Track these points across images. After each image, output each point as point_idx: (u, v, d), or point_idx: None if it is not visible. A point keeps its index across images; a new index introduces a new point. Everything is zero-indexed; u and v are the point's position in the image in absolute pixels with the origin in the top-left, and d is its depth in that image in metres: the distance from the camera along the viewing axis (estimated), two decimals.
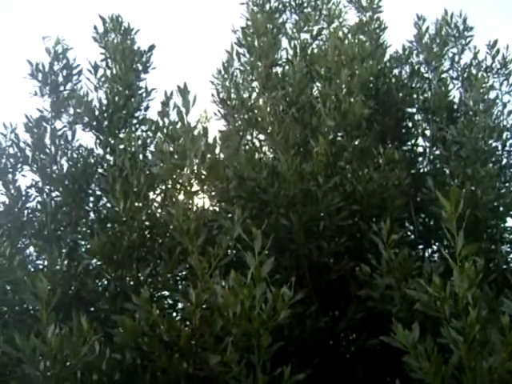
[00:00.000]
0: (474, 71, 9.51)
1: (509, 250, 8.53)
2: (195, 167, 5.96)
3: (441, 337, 5.13)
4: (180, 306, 7.12)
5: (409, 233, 8.46)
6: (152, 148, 7.84)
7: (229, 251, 6.14)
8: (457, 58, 9.78)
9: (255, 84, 8.77)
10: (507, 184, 8.77)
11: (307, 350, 6.88)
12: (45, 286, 5.55)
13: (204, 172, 5.95)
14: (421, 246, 8.50)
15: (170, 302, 7.47)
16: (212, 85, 9.39)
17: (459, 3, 10.42)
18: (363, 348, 7.00)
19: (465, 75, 9.62)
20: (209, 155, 6.12)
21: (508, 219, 8.37)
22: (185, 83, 5.95)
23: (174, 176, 5.96)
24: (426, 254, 8.58)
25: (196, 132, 6.12)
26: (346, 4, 10.08)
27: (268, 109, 7.92)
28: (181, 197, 6.00)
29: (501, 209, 8.07)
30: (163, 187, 7.41)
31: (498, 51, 9.59)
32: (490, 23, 13.85)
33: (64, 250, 7.91)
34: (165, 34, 16.19)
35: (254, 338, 5.34)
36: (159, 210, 7.47)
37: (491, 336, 5.00)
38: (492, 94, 9.04)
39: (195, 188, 6.05)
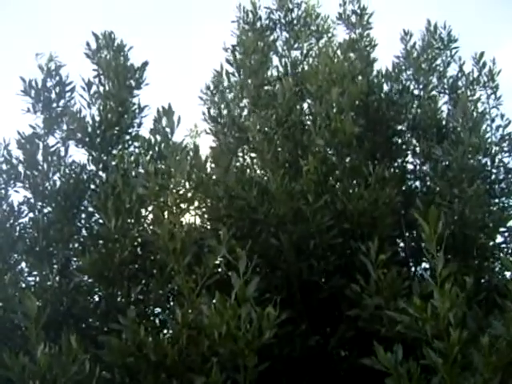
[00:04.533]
0: (460, 84, 9.50)
1: (500, 266, 8.49)
2: (181, 186, 5.96)
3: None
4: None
5: (400, 250, 8.44)
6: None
7: (216, 270, 6.16)
8: (442, 70, 9.73)
9: (246, 102, 8.78)
10: (497, 200, 8.76)
11: (297, 368, 6.87)
12: (34, 304, 5.55)
13: (190, 191, 5.95)
14: (412, 264, 8.49)
15: (161, 319, 7.47)
16: (201, 101, 9.42)
17: (449, 15, 10.36)
18: (355, 366, 6.98)
19: (452, 89, 9.60)
20: (196, 173, 6.11)
21: (498, 236, 8.36)
22: (169, 104, 5.99)
23: (160, 196, 5.96)
24: (418, 271, 8.57)
25: (184, 150, 6.14)
26: (334, 20, 10.11)
27: (258, 127, 7.94)
28: (168, 216, 5.99)
29: (490, 225, 8.04)
30: (154, 205, 7.42)
31: (484, 64, 9.47)
32: (477, 33, 13.86)
33: (56, 267, 7.91)
34: (159, 49, 16.22)
35: (240, 358, 5.34)
36: (151, 228, 7.47)
37: (473, 357, 4.99)
38: (479, 108, 9.03)
39: (182, 207, 6.04)
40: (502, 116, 9.22)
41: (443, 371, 4.96)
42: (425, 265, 8.45)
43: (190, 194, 5.96)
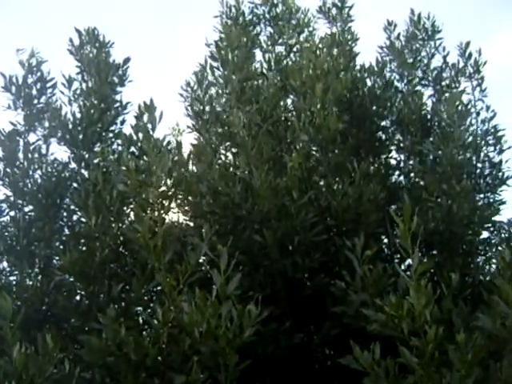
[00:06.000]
0: (444, 75, 9.43)
1: (484, 261, 8.46)
2: (162, 183, 5.88)
3: None
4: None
5: (384, 247, 8.39)
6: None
7: (198, 268, 6.08)
8: (426, 62, 9.58)
9: (229, 97, 8.68)
10: (482, 195, 8.71)
11: (282, 366, 6.80)
12: (9, 304, 5.46)
13: (171, 188, 5.86)
14: (397, 261, 8.42)
15: (143, 318, 7.38)
16: (181, 97, 9.33)
17: (433, 5, 10.23)
18: (339, 364, 6.91)
19: (437, 81, 9.48)
20: (178, 170, 6.03)
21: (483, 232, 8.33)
22: (151, 99, 5.89)
23: (141, 193, 5.88)
24: (403, 267, 8.51)
25: (166, 146, 6.06)
26: (315, 14, 9.97)
27: (242, 123, 7.86)
28: (149, 213, 5.90)
29: (476, 220, 7.98)
30: (135, 201, 7.34)
31: (470, 55, 9.32)
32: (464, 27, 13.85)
33: (37, 266, 7.83)
34: (142, 47, 16.15)
35: (221, 357, 5.27)
36: (132, 225, 7.38)
37: (449, 354, 4.96)
38: (464, 99, 8.89)
39: (163, 204, 5.96)
40: (488, 108, 9.12)
41: (419, 369, 4.92)
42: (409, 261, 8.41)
43: (171, 191, 5.87)
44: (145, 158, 6.26)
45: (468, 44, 9.37)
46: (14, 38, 14.41)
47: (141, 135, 6.47)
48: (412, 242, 5.05)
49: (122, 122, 8.58)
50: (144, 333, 6.79)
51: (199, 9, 14.04)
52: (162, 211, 5.91)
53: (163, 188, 5.88)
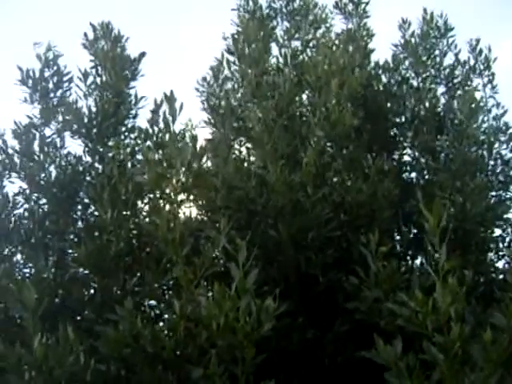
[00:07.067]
0: (457, 73, 9.45)
1: (495, 258, 8.46)
2: (181, 176, 5.90)
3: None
4: (166, 316, 7.07)
5: (397, 243, 8.39)
6: (140, 156, 7.77)
7: (215, 261, 6.12)
8: (439, 59, 9.62)
9: (245, 92, 8.69)
10: (494, 193, 8.72)
11: (294, 362, 6.83)
12: (32, 295, 5.50)
13: (190, 181, 5.89)
14: (409, 257, 8.44)
15: (157, 311, 7.42)
16: (197, 92, 9.35)
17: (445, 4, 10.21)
18: (351, 360, 6.94)
19: (449, 79, 9.51)
20: (195, 164, 6.04)
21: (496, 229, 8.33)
22: (171, 91, 5.91)
23: (160, 185, 5.91)
24: (416, 264, 8.52)
25: (183, 140, 6.09)
26: (331, 9, 9.98)
27: (257, 118, 7.87)
28: (166, 206, 5.93)
29: (489, 216, 7.97)
30: (151, 196, 7.36)
31: (480, 52, 9.41)
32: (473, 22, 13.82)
33: (51, 258, 7.85)
34: (156, 40, 16.16)
35: (238, 350, 5.29)
36: (147, 219, 7.41)
37: (473, 352, 4.95)
38: (476, 95, 8.91)
39: (181, 197, 5.99)
40: (499, 105, 9.19)
41: (444, 366, 4.91)
42: (422, 258, 8.41)
43: (189, 184, 5.89)
44: (162, 150, 6.27)
45: (478, 41, 9.49)
46: (27, 32, 14.47)
47: (158, 128, 6.52)
48: (440, 238, 5.04)
49: (136, 116, 8.59)
50: (158, 326, 6.85)
51: (204, 6, 14.11)
52: (179, 204, 5.93)
53: (182, 181, 5.89)
